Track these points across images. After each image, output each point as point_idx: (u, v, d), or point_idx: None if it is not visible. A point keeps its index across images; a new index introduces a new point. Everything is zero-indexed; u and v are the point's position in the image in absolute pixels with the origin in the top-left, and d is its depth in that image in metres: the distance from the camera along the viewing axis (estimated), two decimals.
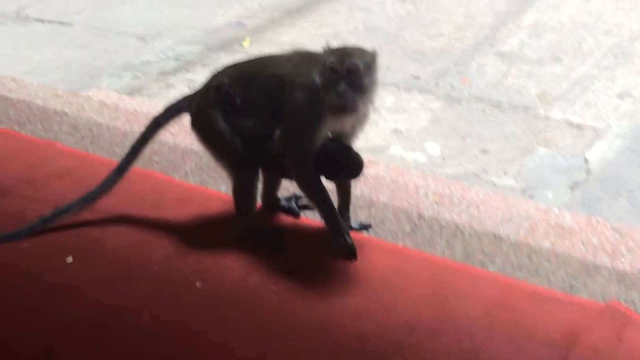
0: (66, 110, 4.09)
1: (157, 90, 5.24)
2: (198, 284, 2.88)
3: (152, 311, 2.76)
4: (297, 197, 3.32)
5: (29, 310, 2.79)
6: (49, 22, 6.57)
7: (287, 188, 3.37)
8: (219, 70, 3.15)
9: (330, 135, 3.02)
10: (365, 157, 3.06)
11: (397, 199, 3.29)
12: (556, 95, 4.84)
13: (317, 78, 2.86)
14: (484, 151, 4.32)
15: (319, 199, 2.98)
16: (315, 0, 6.61)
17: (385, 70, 5.24)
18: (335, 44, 2.97)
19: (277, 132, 2.99)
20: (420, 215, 3.14)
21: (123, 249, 3.06)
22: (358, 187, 3.37)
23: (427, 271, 2.91)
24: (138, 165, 3.53)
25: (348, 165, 3.01)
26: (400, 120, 4.71)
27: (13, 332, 2.70)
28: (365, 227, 3.20)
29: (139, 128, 3.46)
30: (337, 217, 2.99)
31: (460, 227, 3.07)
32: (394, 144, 4.46)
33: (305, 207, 3.28)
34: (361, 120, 3.02)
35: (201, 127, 3.10)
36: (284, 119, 2.95)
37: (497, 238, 3.04)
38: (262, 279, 2.88)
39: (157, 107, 3.67)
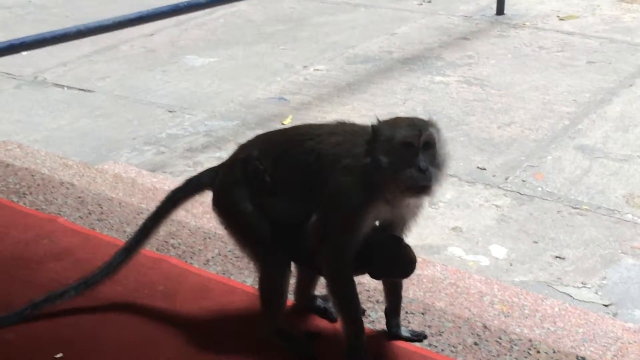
0: (75, 182, 4.03)
1: (182, 168, 5.20)
2: None
3: None
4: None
5: None
6: (69, 87, 6.66)
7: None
8: (249, 140, 3.07)
9: (377, 226, 2.89)
10: (418, 255, 2.91)
11: (457, 305, 3.12)
12: None
13: (366, 159, 2.75)
14: (559, 258, 4.16)
15: (349, 308, 2.83)
16: (370, 77, 6.62)
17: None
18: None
19: (314, 218, 2.87)
20: (485, 327, 2.96)
21: (123, 348, 2.92)
22: (410, 289, 3.22)
23: None
24: (151, 249, 3.45)
25: (398, 261, 2.86)
26: (461, 217, 4.58)
27: None
28: (419, 336, 3.02)
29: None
30: (362, 337, 2.83)
31: (535, 343, 2.88)
32: (453, 244, 4.33)
33: None
34: (417, 208, 2.88)
35: (224, 207, 2.99)
36: (323, 205, 2.84)
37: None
38: None
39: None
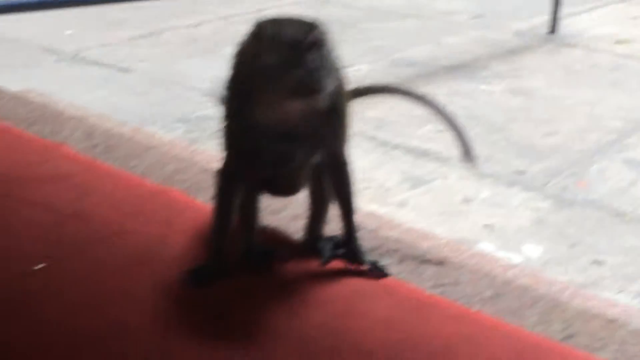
0: (86, 116, 3.90)
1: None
2: None
3: None
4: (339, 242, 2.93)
5: None
6: (108, 66, 6.53)
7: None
8: None
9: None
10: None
11: (478, 264, 2.87)
12: None
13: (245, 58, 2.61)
14: (597, 262, 3.86)
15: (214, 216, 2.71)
16: (412, 80, 6.39)
17: (485, 161, 4.92)
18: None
19: None
20: (505, 283, 2.71)
21: (114, 267, 2.88)
22: (425, 243, 2.97)
23: (508, 345, 2.53)
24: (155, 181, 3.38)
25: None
26: (495, 215, 4.30)
27: None
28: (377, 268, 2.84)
29: (170, 149, 3.23)
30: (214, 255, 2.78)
31: (561, 303, 2.62)
32: (484, 240, 4.05)
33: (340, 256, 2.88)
34: (315, 116, 2.62)
35: None
36: None
37: (611, 321, 2.58)
38: None
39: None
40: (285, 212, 3.18)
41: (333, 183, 2.82)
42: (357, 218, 2.87)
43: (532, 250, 3.96)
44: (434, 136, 5.26)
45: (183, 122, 5.40)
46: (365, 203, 4.39)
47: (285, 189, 2.81)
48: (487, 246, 3.98)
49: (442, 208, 4.36)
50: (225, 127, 2.69)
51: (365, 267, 2.82)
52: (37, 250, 2.89)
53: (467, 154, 3.04)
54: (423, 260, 2.88)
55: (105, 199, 3.20)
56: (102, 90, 5.96)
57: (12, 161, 3.50)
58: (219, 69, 6.77)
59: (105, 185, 3.21)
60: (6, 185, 3.33)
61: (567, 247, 4.01)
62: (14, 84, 5.87)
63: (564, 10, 8.03)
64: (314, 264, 2.80)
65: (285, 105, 2.50)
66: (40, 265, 2.79)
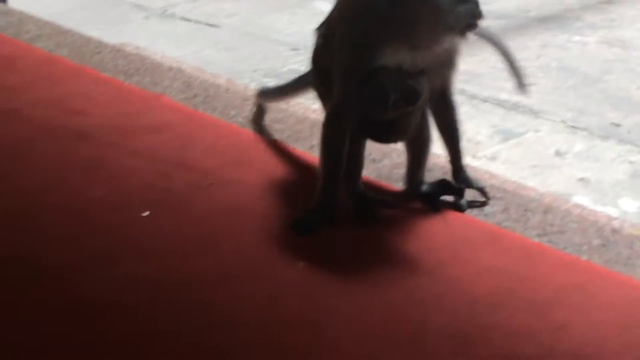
0: (183, 67, 3.94)
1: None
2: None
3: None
4: (449, 186, 2.90)
5: None
6: (196, 22, 6.59)
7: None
8: None
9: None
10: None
11: (585, 213, 2.83)
12: None
13: None
14: None
15: (324, 161, 2.72)
16: (502, 33, 6.19)
17: (578, 113, 4.83)
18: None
19: None
20: (615, 231, 2.67)
21: (213, 213, 2.95)
22: (527, 192, 2.94)
23: (619, 295, 2.52)
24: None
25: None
26: (590, 169, 4.23)
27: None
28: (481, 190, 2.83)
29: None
30: (324, 204, 2.75)
31: None
32: (579, 193, 3.98)
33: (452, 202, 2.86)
34: (453, 52, 2.59)
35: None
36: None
37: None
38: None
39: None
40: (386, 161, 3.18)
41: (442, 117, 2.83)
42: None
43: (630, 204, 3.89)
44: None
45: (272, 76, 5.42)
46: None
47: (397, 134, 2.77)
48: (582, 200, 3.92)
49: (534, 161, 4.30)
50: (345, 67, 2.62)
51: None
52: (143, 199, 2.96)
53: (521, 85, 3.01)
54: (527, 209, 2.85)
55: (207, 149, 3.25)
56: (191, 46, 6.02)
57: (114, 112, 3.57)
58: (305, 24, 6.80)
59: (206, 135, 3.26)
60: (110, 135, 3.38)
61: None
62: (108, 40, 6.02)
63: None
64: (417, 211, 2.81)
65: (446, 38, 2.51)
66: (146, 213, 2.86)
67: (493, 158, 4.34)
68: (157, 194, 3.00)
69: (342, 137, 2.65)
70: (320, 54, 2.84)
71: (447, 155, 2.90)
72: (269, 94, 3.48)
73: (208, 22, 6.57)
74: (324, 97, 2.91)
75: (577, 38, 6.14)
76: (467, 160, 4.28)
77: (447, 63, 2.65)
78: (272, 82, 5.29)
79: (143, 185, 3.07)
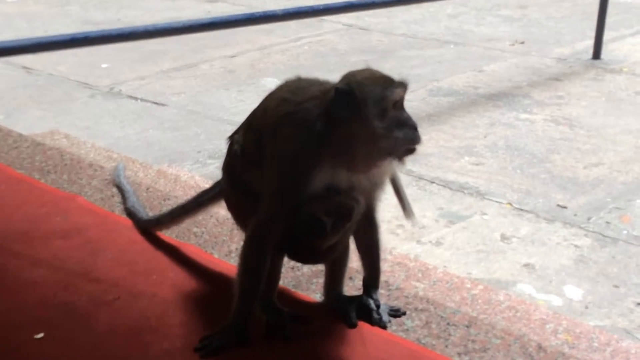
0: (104, 165, 3.77)
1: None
2: None
3: None
4: (369, 306, 2.77)
5: None
6: (142, 100, 6.51)
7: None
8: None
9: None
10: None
11: (513, 328, 2.71)
12: None
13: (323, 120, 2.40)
14: None
15: (242, 277, 2.51)
16: (451, 110, 6.27)
17: (525, 195, 4.78)
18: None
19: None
20: (540, 348, 2.55)
21: (115, 334, 2.65)
22: (458, 304, 2.83)
23: None
24: (171, 235, 3.30)
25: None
26: (535, 254, 4.16)
27: None
28: (397, 313, 2.74)
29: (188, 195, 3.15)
30: (240, 319, 2.55)
31: None
32: (523, 281, 3.91)
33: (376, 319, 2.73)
34: (385, 174, 2.55)
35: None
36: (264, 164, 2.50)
37: None
38: None
39: None
40: (305, 269, 2.99)
41: (364, 237, 2.69)
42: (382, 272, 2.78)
43: (574, 292, 3.81)
44: (472, 169, 5.14)
45: (216, 158, 5.33)
46: (399, 242, 4.29)
47: (326, 256, 2.62)
48: (526, 288, 3.85)
49: (479, 246, 4.23)
50: (276, 188, 2.43)
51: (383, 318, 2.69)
52: (39, 317, 2.69)
53: (407, 212, 2.90)
54: (450, 322, 2.69)
55: (117, 256, 3.03)
56: (136, 125, 5.93)
57: (22, 216, 3.38)
58: (253, 102, 6.75)
59: (118, 239, 2.99)
60: (14, 243, 3.17)
61: (610, 288, 3.84)
62: (47, 122, 5.89)
63: (608, 34, 7.86)
64: (334, 328, 2.60)
65: (382, 164, 2.43)
66: (40, 335, 2.63)
67: (438, 243, 4.26)
68: (56, 311, 2.74)
69: (264, 256, 2.47)
70: (239, 166, 2.65)
71: (364, 272, 2.73)
72: (153, 223, 3.25)
73: (155, 101, 6.50)
74: (239, 210, 2.73)
75: (524, 116, 6.15)
76: (412, 245, 4.23)
77: (378, 183, 2.54)
78: (216, 164, 5.22)
79: (42, 300, 2.80)
